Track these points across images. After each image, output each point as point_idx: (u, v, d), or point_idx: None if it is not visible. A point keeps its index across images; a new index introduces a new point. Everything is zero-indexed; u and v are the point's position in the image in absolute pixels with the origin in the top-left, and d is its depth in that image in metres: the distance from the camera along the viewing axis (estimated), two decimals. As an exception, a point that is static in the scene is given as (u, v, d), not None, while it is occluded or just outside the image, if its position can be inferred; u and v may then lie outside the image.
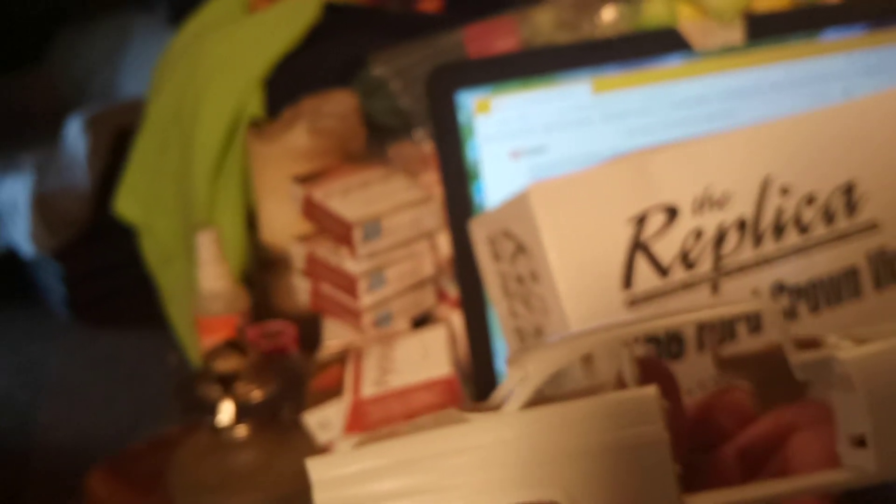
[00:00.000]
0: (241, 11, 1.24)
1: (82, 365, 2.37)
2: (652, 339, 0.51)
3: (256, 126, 1.00)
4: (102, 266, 2.49)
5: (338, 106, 0.89)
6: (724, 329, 0.51)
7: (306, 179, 0.84)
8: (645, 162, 0.51)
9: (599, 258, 0.50)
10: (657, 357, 0.31)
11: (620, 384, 0.30)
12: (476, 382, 0.66)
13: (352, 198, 0.80)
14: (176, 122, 1.17)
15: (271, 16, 1.15)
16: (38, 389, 2.27)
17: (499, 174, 0.65)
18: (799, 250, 0.53)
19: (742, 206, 0.52)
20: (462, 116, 0.64)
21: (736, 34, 0.66)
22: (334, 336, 0.82)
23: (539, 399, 0.29)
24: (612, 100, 0.66)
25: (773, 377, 0.34)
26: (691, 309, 0.31)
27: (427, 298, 0.84)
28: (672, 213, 0.51)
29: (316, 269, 0.83)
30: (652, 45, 0.66)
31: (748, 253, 0.52)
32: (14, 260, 2.53)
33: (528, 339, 0.57)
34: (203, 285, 0.81)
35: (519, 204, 0.51)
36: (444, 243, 0.82)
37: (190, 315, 1.07)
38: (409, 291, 0.82)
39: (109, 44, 2.73)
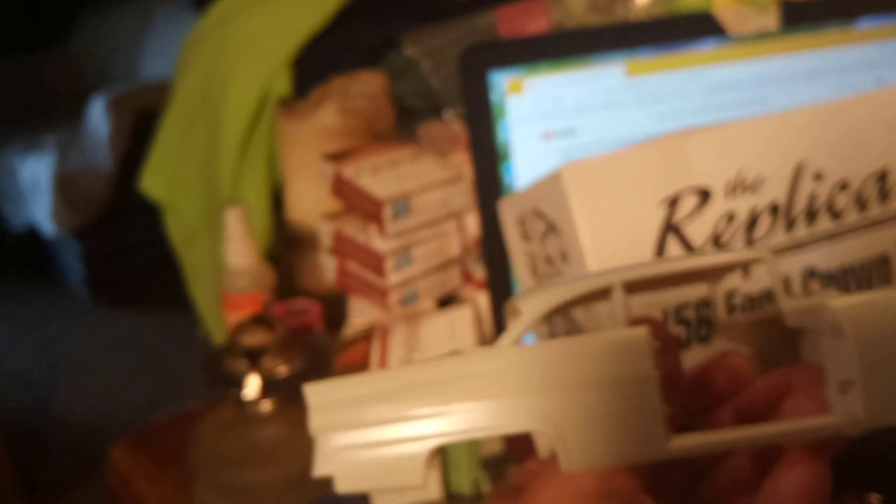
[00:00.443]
0: (270, -8, 1.24)
1: (101, 344, 2.39)
2: (682, 321, 0.51)
3: (285, 105, 1.01)
4: (122, 246, 2.51)
5: (366, 86, 0.90)
6: (754, 310, 0.51)
7: (336, 157, 0.84)
8: (679, 144, 0.51)
9: (631, 239, 0.50)
10: (656, 319, 0.32)
11: None
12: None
13: (381, 176, 0.80)
14: (203, 101, 1.18)
15: (300, -3, 1.15)
16: (58, 368, 2.29)
17: (529, 155, 0.65)
18: (831, 236, 0.53)
19: (775, 191, 0.52)
20: (494, 96, 0.64)
21: (771, 20, 0.66)
22: (360, 314, 0.82)
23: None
24: (645, 83, 0.66)
25: (772, 344, 0.35)
26: (690, 257, 0.31)
27: (453, 279, 0.84)
28: (705, 195, 0.51)
29: (343, 247, 0.83)
30: (686, 29, 0.66)
31: (780, 237, 0.52)
32: (35, 239, 2.55)
33: (556, 322, 0.57)
34: (230, 261, 0.81)
35: (551, 183, 0.51)
36: (471, 224, 0.82)
37: (213, 293, 1.08)
38: (435, 271, 0.82)
39: (132, 25, 2.75)
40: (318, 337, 0.81)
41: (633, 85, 0.66)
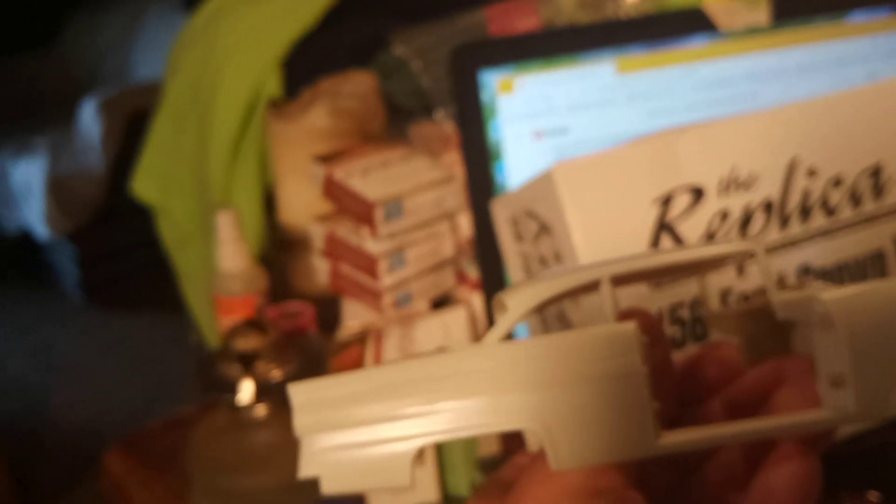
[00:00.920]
0: (259, -8, 1.23)
1: (95, 347, 2.38)
2: (677, 321, 0.50)
3: (275, 106, 1.00)
4: (116, 249, 2.50)
5: (357, 86, 0.89)
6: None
7: (327, 159, 0.83)
8: (671, 142, 0.51)
9: (624, 239, 0.50)
10: (646, 310, 0.31)
11: None
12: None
13: (373, 177, 0.79)
14: (193, 103, 1.17)
15: (288, -4, 1.15)
16: (52, 371, 2.29)
17: (521, 154, 0.65)
18: (825, 233, 0.53)
19: (769, 188, 0.51)
20: (485, 96, 0.64)
21: (761, 15, 0.66)
22: (353, 316, 0.81)
23: None
24: (635, 80, 0.65)
25: (763, 335, 0.35)
26: (680, 249, 0.31)
27: (447, 279, 0.84)
28: (698, 193, 0.51)
29: (335, 249, 0.83)
30: (676, 25, 0.66)
31: (774, 235, 0.52)
32: (28, 242, 2.54)
33: (550, 320, 0.57)
34: (222, 265, 0.81)
35: (543, 183, 0.51)
36: (464, 224, 0.82)
37: (206, 295, 1.07)
38: (429, 272, 0.82)
39: (122, 26, 2.74)
40: (311, 340, 0.80)
41: (624, 82, 0.65)
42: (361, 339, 0.76)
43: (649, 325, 0.30)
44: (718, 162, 0.51)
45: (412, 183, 0.79)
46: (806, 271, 0.53)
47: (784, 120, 0.52)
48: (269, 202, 1.05)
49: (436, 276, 0.83)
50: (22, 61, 2.83)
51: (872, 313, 0.28)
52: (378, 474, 0.28)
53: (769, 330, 0.34)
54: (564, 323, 0.55)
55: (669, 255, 0.31)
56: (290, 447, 0.69)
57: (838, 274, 0.53)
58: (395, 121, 0.92)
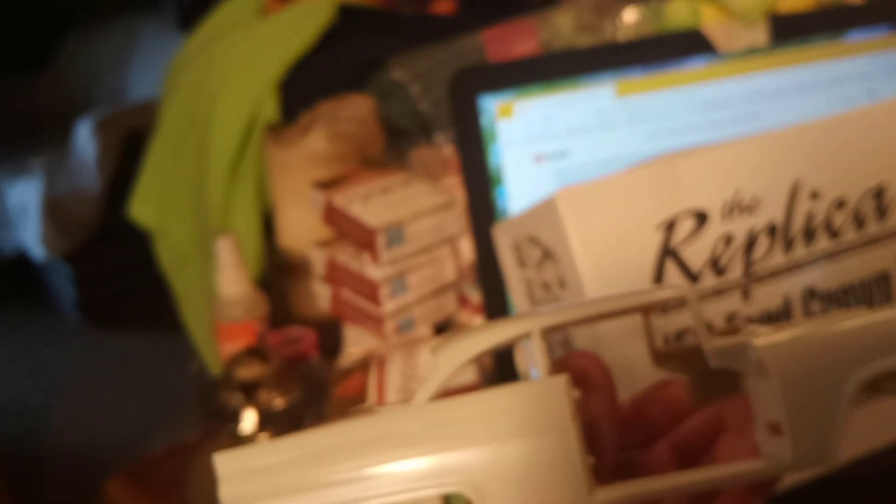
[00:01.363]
0: (255, 14, 1.23)
1: (93, 368, 2.37)
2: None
3: (273, 130, 1.00)
4: (113, 269, 2.49)
5: (355, 110, 0.89)
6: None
7: (327, 185, 0.83)
8: (673, 167, 0.51)
9: (628, 264, 0.50)
10: (591, 352, 0.31)
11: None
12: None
13: (373, 203, 0.79)
14: (190, 125, 1.17)
15: (285, 19, 1.15)
16: (50, 392, 2.28)
17: (522, 179, 0.65)
18: (830, 255, 0.52)
19: (772, 211, 0.51)
20: (484, 121, 0.64)
21: (760, 35, 0.66)
22: (355, 342, 0.81)
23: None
24: (635, 103, 0.65)
25: (710, 373, 0.34)
26: (615, 297, 0.31)
27: (448, 304, 0.83)
28: (701, 218, 0.51)
29: (336, 274, 0.82)
30: (675, 47, 0.66)
31: (779, 258, 0.52)
32: (25, 263, 2.53)
33: (553, 345, 0.57)
34: (222, 291, 0.80)
35: (546, 210, 0.51)
36: (466, 248, 0.81)
37: (206, 319, 1.07)
38: (430, 297, 0.82)
39: (117, 46, 2.73)
40: (313, 366, 0.80)
41: (624, 105, 0.65)
42: (364, 365, 0.75)
43: (592, 371, 0.29)
44: (722, 186, 0.51)
45: (413, 209, 0.79)
46: (811, 295, 0.52)
47: (786, 142, 0.52)
48: (268, 225, 1.05)
49: (437, 301, 0.83)
50: (17, 82, 2.82)
51: (807, 359, 0.27)
52: None
53: (716, 368, 0.33)
54: (568, 348, 0.54)
55: (600, 304, 0.31)
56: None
57: (844, 297, 0.53)
58: (394, 143, 0.91)
